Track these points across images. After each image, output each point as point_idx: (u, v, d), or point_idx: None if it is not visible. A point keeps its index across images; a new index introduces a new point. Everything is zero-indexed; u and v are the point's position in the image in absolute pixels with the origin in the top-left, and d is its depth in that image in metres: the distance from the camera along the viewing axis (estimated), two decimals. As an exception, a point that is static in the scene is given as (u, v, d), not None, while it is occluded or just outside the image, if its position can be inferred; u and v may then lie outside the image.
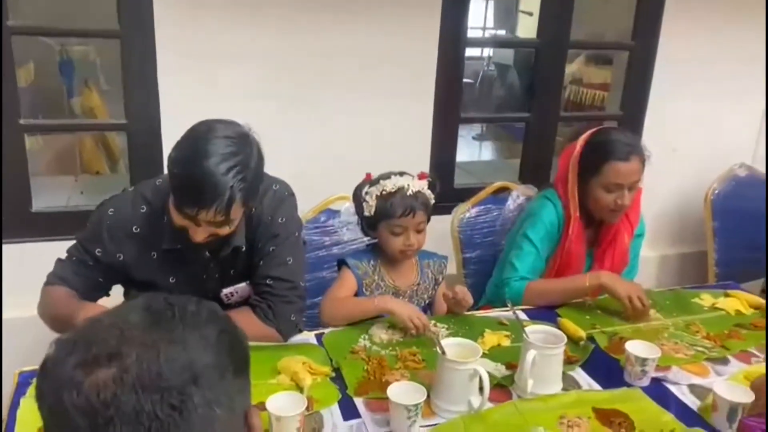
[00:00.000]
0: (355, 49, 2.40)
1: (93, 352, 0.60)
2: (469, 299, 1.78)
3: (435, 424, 1.34)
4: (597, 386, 1.51)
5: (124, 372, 0.58)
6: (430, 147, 2.62)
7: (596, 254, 2.05)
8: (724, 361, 1.63)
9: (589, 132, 1.99)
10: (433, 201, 1.79)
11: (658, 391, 1.49)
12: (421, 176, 1.80)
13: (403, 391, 1.31)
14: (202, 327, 0.65)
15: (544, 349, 1.42)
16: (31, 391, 1.36)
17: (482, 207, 2.43)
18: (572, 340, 1.67)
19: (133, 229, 1.55)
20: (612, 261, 2.03)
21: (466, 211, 2.41)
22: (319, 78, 2.38)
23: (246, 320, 1.57)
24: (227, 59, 2.26)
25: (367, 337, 1.66)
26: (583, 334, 1.69)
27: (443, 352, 1.37)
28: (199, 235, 1.45)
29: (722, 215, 2.87)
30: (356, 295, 1.79)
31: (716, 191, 2.86)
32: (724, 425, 1.35)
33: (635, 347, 1.53)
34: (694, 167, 2.96)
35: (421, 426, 1.32)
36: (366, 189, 1.80)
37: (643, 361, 1.50)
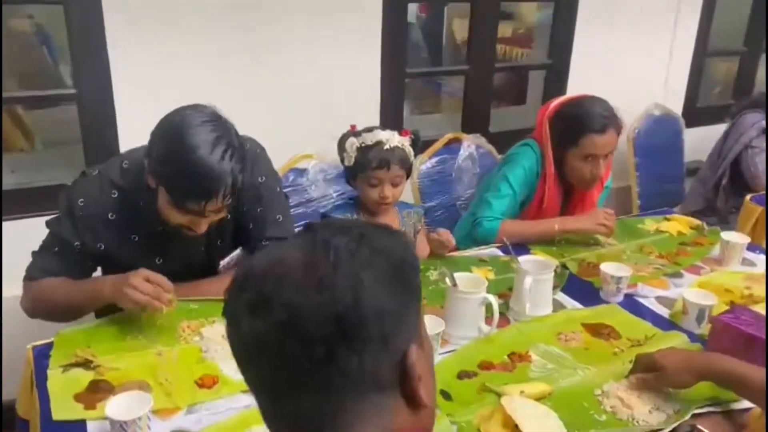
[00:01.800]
0: (304, 4, 2.41)
1: (256, 295, 0.62)
2: (453, 240, 1.90)
3: (451, 351, 1.46)
4: (579, 306, 1.68)
5: (275, 320, 0.60)
6: (379, 103, 2.69)
7: (568, 209, 2.18)
8: (679, 275, 1.85)
9: (565, 98, 2.12)
10: (412, 158, 1.87)
11: (631, 305, 1.69)
12: (403, 133, 1.87)
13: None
14: (366, 268, 0.62)
15: (538, 275, 1.57)
16: (53, 362, 1.35)
17: (437, 158, 2.55)
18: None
19: (109, 216, 1.51)
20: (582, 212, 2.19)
21: (423, 162, 2.53)
22: (267, 36, 2.37)
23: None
24: (176, 21, 2.21)
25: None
26: (557, 262, 1.86)
27: (455, 284, 1.48)
28: (204, 225, 1.45)
29: (642, 152, 3.16)
30: None
31: (637, 130, 3.13)
32: (694, 326, 1.56)
33: (609, 268, 1.71)
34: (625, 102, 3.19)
35: (438, 354, 1.43)
36: (348, 140, 1.86)
37: (618, 280, 1.68)
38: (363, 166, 1.82)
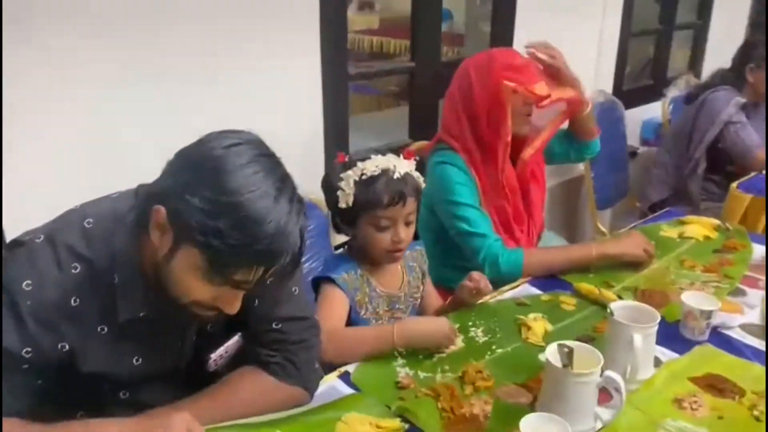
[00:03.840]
0: (236, 6, 1.90)
1: None
2: (489, 285, 1.52)
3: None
4: (669, 353, 1.37)
5: None
6: (321, 108, 2.24)
7: (522, 194, 1.90)
8: (741, 293, 1.61)
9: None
10: (424, 185, 1.46)
11: (723, 343, 1.40)
12: (407, 155, 1.45)
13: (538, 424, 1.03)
14: None
15: (644, 328, 1.23)
16: None
17: (407, 173, 2.14)
18: (604, 305, 1.52)
19: (72, 302, 1.00)
20: (537, 197, 1.93)
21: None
22: (194, 41, 1.84)
23: (261, 387, 1.15)
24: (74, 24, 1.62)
25: (402, 362, 1.32)
26: (614, 296, 1.54)
27: (567, 365, 1.10)
28: (239, 301, 1.00)
29: (593, 142, 2.95)
30: (349, 317, 1.42)
31: (587, 120, 2.91)
32: (812, 362, 1.31)
33: (692, 300, 1.41)
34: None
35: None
36: (340, 174, 1.41)
37: (709, 314, 1.39)
38: (368, 205, 1.38)
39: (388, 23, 5.59)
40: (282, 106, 2.08)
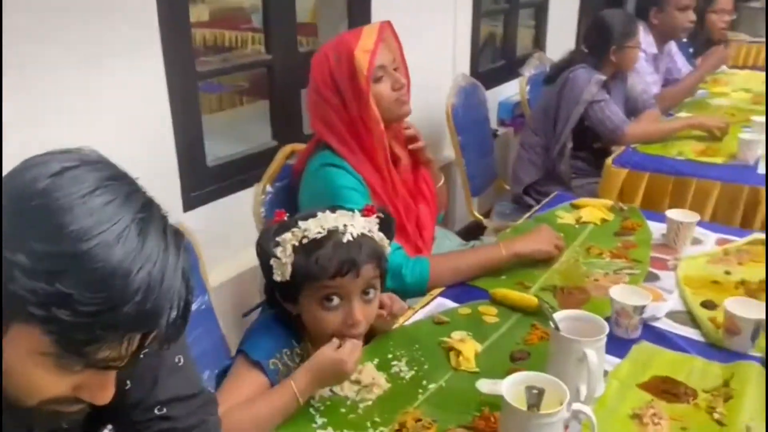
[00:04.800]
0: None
1: None
2: (404, 305, 1.32)
3: None
4: (606, 356, 1.25)
5: None
6: (170, 114, 1.91)
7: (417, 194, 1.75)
8: (653, 277, 1.54)
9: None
10: (388, 248, 1.20)
11: (656, 337, 1.31)
12: (365, 212, 1.19)
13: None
14: None
15: (596, 342, 1.08)
16: None
17: (280, 183, 1.88)
18: (528, 312, 1.39)
19: None
20: (431, 193, 1.78)
21: (263, 193, 1.83)
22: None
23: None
24: None
25: (322, 421, 1.08)
26: (534, 299, 1.40)
27: (534, 406, 0.92)
28: (111, 384, 0.71)
29: (461, 128, 2.85)
30: None
31: (454, 106, 2.81)
32: (747, 345, 1.25)
33: (620, 295, 1.30)
34: (428, 81, 2.85)
35: None
36: (276, 238, 1.13)
37: (642, 309, 1.29)
38: (310, 278, 1.11)
39: (218, 15, 5.22)
40: (122, 115, 1.73)
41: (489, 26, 3.80)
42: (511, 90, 3.67)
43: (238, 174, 2.15)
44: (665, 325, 1.35)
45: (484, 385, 1.17)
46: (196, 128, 2.01)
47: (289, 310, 1.17)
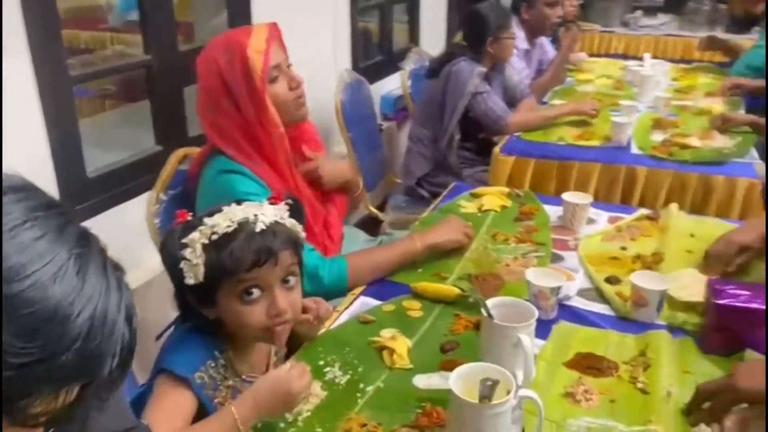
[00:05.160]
0: None
1: None
2: (329, 307, 1.28)
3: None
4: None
5: None
6: (43, 123, 1.73)
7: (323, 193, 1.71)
8: (557, 258, 1.62)
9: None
10: (302, 233, 1.14)
11: (571, 315, 1.37)
12: (274, 199, 1.13)
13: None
14: None
15: (528, 327, 1.11)
16: None
17: (174, 192, 1.76)
18: (449, 302, 1.40)
19: None
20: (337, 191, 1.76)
21: (156, 202, 1.72)
22: None
23: None
24: None
25: (258, 426, 1.03)
26: (454, 289, 1.42)
27: (487, 398, 0.92)
28: None
29: (351, 124, 2.84)
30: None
31: (342, 102, 2.79)
32: (653, 316, 1.33)
33: (537, 278, 1.35)
34: (312, 78, 2.80)
35: None
36: (183, 240, 1.04)
37: (558, 290, 1.34)
38: (226, 273, 1.04)
39: (71, 15, 4.84)
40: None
41: (365, 22, 3.81)
42: (392, 84, 3.71)
43: (122, 183, 2.01)
44: (577, 303, 1.42)
45: (421, 381, 1.17)
46: (73, 137, 1.85)
47: (206, 315, 1.10)
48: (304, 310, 1.22)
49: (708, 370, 1.18)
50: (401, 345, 1.24)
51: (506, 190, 1.98)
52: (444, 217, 1.70)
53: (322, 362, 1.21)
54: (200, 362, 1.07)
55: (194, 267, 1.02)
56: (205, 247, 1.02)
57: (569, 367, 1.21)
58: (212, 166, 1.52)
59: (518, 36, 3.06)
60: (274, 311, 1.06)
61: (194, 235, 1.03)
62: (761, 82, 2.95)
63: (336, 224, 1.71)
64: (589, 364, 1.21)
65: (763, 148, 2.41)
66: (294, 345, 1.26)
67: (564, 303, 1.40)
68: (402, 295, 1.43)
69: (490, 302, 1.17)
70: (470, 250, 1.63)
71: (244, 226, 1.04)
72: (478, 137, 2.82)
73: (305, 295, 1.46)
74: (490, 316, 1.11)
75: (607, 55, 4.87)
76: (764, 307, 1.18)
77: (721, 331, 1.22)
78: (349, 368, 1.20)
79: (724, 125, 2.51)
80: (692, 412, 1.06)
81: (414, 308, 1.38)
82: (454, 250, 1.59)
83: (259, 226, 1.04)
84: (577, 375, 1.18)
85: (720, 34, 4.78)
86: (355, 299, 1.43)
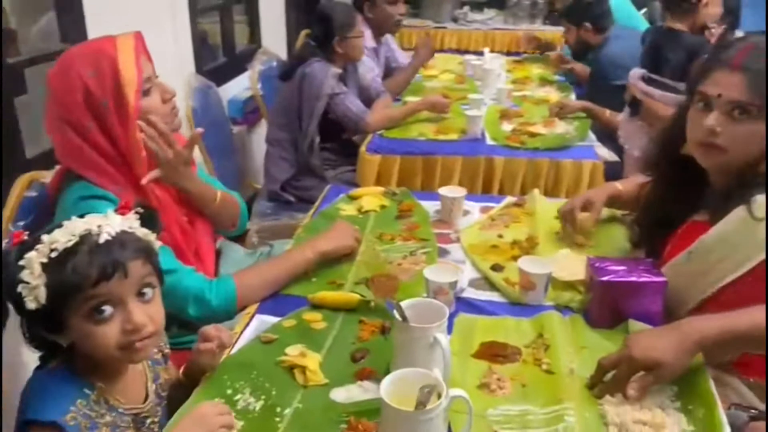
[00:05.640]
0: None
1: None
2: (230, 334, 1.21)
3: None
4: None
5: None
6: None
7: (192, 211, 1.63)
8: (443, 252, 1.65)
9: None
10: (157, 243, 1.05)
11: (468, 307, 1.41)
12: (122, 209, 1.02)
13: None
14: None
15: (442, 326, 1.12)
16: None
17: (26, 222, 1.57)
18: (350, 309, 1.38)
19: None
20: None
21: (5, 238, 1.51)
22: None
23: None
24: None
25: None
26: (354, 296, 1.40)
27: (423, 405, 0.91)
28: None
29: (205, 131, 2.70)
30: None
31: (193, 108, 2.64)
32: (541, 297, 1.41)
33: (436, 275, 1.37)
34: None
35: None
36: (19, 262, 0.92)
37: (455, 284, 1.37)
38: (71, 291, 0.93)
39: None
40: None
41: (205, 23, 3.64)
42: (238, 87, 3.59)
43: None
44: (470, 294, 1.46)
45: (339, 395, 1.14)
46: None
47: (60, 343, 0.99)
48: (206, 338, 1.15)
49: (600, 343, 1.26)
50: (312, 360, 1.20)
51: (382, 189, 1.99)
52: (330, 223, 1.68)
53: (230, 391, 1.14)
54: (69, 402, 0.97)
55: (34, 290, 0.92)
56: (44, 266, 0.92)
57: (478, 357, 1.24)
58: (71, 192, 1.37)
59: (365, 35, 3.09)
60: (131, 326, 0.97)
61: (31, 254, 0.92)
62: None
63: (205, 244, 1.61)
64: (495, 353, 1.25)
65: (598, 131, 2.66)
66: (196, 376, 1.17)
67: (459, 296, 1.44)
68: (300, 308, 1.39)
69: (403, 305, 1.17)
70: (360, 254, 1.61)
71: (86, 238, 0.95)
72: (339, 138, 2.82)
73: (193, 321, 1.38)
74: (405, 319, 1.11)
75: (442, 51, 5.09)
76: (640, 279, 1.29)
77: (604, 305, 1.32)
78: (261, 393, 1.14)
79: (562, 112, 2.72)
80: (596, 385, 1.13)
81: (316, 320, 1.35)
82: (345, 256, 1.58)
83: (104, 237, 0.95)
84: (486, 365, 1.22)
85: (539, 26, 5.21)
86: (251, 319, 1.37)
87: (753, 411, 1.06)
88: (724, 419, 1.03)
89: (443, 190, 1.81)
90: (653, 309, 1.30)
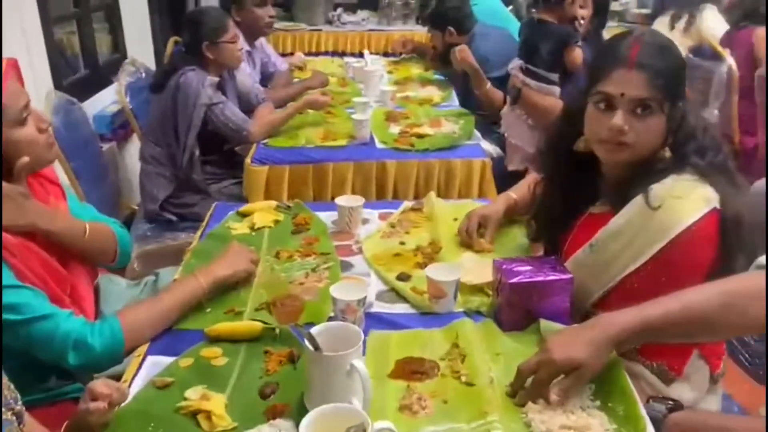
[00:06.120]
0: None
1: None
2: (125, 390, 1.07)
3: None
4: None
5: None
6: None
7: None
8: (347, 265, 1.58)
9: None
10: None
11: (377, 322, 1.35)
12: None
13: None
14: None
15: (357, 351, 1.05)
16: None
17: None
18: (253, 339, 1.28)
19: None
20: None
21: None
22: None
23: None
24: None
25: None
26: (257, 324, 1.30)
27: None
28: None
29: (72, 152, 2.45)
30: None
31: (56, 127, 2.39)
32: (451, 304, 1.37)
33: (343, 292, 1.29)
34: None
35: None
36: None
37: (363, 301, 1.30)
38: None
39: None
40: None
41: (62, 33, 3.34)
42: (104, 101, 3.32)
43: None
44: (379, 308, 1.40)
45: (251, 439, 1.04)
46: None
47: None
48: (94, 397, 1.01)
49: (514, 347, 1.24)
50: (216, 404, 1.09)
51: (274, 203, 1.88)
52: (222, 245, 1.56)
53: (127, 450, 1.01)
54: None
55: None
56: None
57: (395, 377, 1.18)
58: None
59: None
60: None
61: None
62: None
63: (82, 284, 1.44)
64: (412, 370, 1.20)
65: (483, 128, 2.70)
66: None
67: (368, 311, 1.37)
68: (197, 344, 1.27)
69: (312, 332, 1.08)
70: (258, 276, 1.51)
71: None
72: (221, 149, 2.67)
73: (75, 369, 1.24)
74: (317, 348, 1.02)
75: (318, 53, 5.02)
76: (548, 278, 1.29)
77: (514, 307, 1.30)
78: (163, 449, 1.01)
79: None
80: (517, 392, 1.11)
81: (215, 355, 1.23)
82: (242, 280, 1.46)
83: None
84: (404, 384, 1.16)
85: (412, 27, 5.26)
86: (142, 361, 1.23)
87: (669, 403, 1.07)
88: (644, 414, 1.04)
89: (340, 200, 1.74)
90: (562, 306, 1.30)
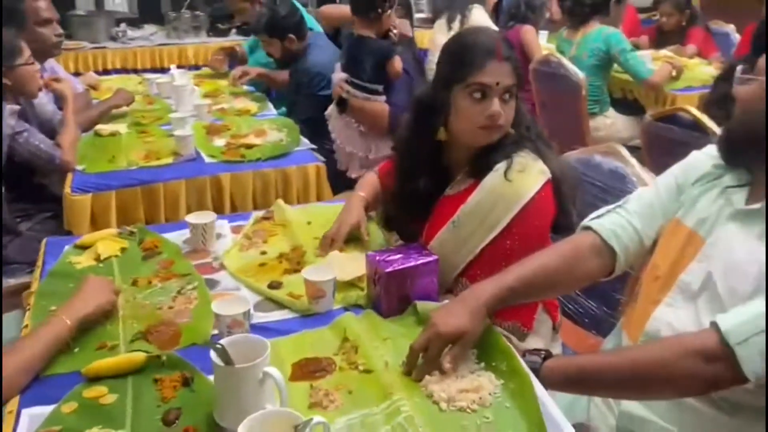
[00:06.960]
0: None
1: None
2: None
3: None
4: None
5: None
6: None
7: None
8: (213, 283, 1.55)
9: None
10: None
11: (258, 331, 1.35)
12: None
13: None
14: None
15: (267, 358, 1.05)
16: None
17: None
18: (138, 371, 1.22)
19: None
20: None
21: None
22: None
23: None
24: None
25: None
26: (139, 355, 1.23)
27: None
28: None
29: None
30: None
31: None
32: (330, 303, 1.42)
33: (224, 308, 1.28)
34: None
35: None
36: None
37: (249, 313, 1.30)
38: None
39: None
40: None
41: None
42: None
43: None
44: (259, 318, 1.40)
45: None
46: None
47: None
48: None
49: (398, 330, 1.33)
50: (118, 440, 1.03)
51: (115, 230, 1.77)
52: (68, 282, 1.45)
53: None
54: None
55: None
56: None
57: (295, 380, 1.20)
58: None
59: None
60: None
61: None
62: (261, 70, 3.40)
63: None
64: (310, 370, 1.23)
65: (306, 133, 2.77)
66: None
67: (251, 323, 1.37)
68: (75, 386, 1.17)
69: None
70: (121, 307, 1.42)
71: None
72: (29, 183, 2.42)
73: None
74: (230, 363, 1.02)
75: (106, 72, 4.71)
76: (419, 261, 1.39)
77: (392, 294, 1.39)
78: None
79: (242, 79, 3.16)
80: (412, 369, 1.20)
81: (101, 394, 1.15)
82: (106, 313, 1.37)
83: None
84: (307, 384, 1.19)
85: (204, 39, 5.15)
86: (17, 418, 1.11)
87: (542, 353, 1.23)
88: (525, 366, 1.19)
89: (191, 218, 1.70)
90: (432, 287, 1.42)
